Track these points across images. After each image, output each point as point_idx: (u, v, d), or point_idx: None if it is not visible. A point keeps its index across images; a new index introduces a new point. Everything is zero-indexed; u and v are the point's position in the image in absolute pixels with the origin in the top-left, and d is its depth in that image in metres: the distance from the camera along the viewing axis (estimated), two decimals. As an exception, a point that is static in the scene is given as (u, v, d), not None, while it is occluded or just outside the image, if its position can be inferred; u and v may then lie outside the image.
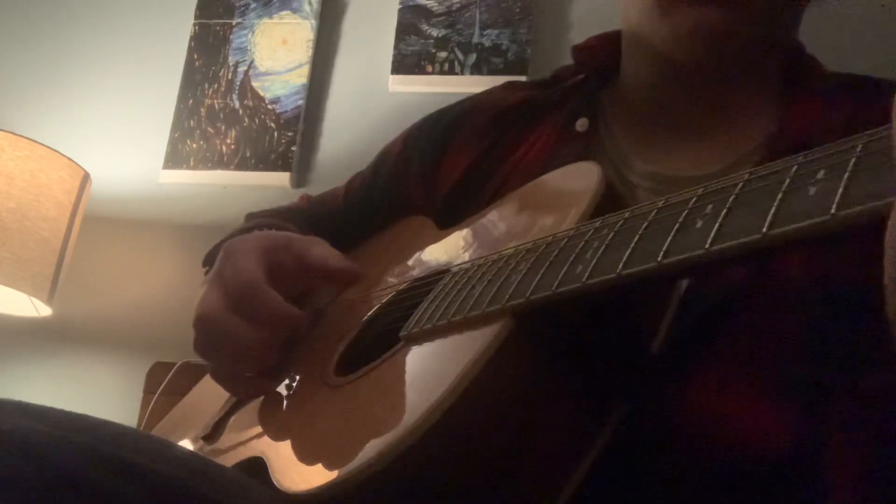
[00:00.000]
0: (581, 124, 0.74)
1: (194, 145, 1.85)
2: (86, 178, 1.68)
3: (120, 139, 1.91)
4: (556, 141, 0.74)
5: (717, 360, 0.56)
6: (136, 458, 0.43)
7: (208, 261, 0.91)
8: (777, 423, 0.53)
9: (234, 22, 1.94)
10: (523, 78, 1.70)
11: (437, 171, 0.82)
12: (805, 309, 0.55)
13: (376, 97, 1.81)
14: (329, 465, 0.49)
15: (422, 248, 0.74)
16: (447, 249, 0.68)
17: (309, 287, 0.74)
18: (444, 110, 0.88)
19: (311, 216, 0.93)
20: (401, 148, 0.89)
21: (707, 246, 0.35)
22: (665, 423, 0.55)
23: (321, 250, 0.71)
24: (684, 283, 0.56)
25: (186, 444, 0.77)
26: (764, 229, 0.32)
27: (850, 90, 0.67)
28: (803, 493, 0.53)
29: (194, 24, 1.95)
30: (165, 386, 1.55)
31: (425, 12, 1.83)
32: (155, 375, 1.60)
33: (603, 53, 0.79)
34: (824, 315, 0.55)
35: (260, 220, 0.90)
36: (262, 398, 0.70)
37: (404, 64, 1.80)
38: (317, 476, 0.49)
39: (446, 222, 0.75)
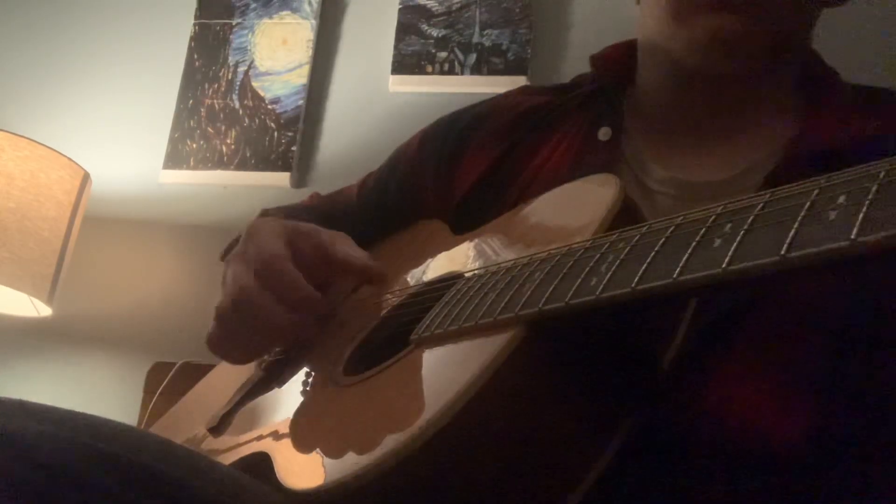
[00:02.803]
0: (604, 133, 0.74)
1: (194, 145, 1.84)
2: (86, 178, 1.68)
3: (120, 139, 1.90)
4: (579, 149, 0.74)
5: (734, 363, 0.56)
6: (137, 456, 0.43)
7: (226, 255, 0.91)
8: (794, 421, 0.54)
9: (234, 22, 1.93)
10: (523, 78, 1.71)
11: (453, 174, 0.82)
12: (821, 307, 0.56)
13: (376, 97, 1.81)
14: (333, 465, 0.49)
15: (436, 252, 0.74)
16: (461, 255, 0.69)
17: (327, 281, 0.74)
18: (461, 112, 0.88)
19: (325, 215, 0.93)
20: (416, 149, 0.89)
21: (724, 266, 0.35)
22: (682, 427, 0.55)
23: (346, 245, 0.72)
24: None
25: (192, 436, 0.78)
26: (782, 252, 0.32)
27: (868, 102, 0.68)
28: (825, 487, 0.53)
29: (194, 24, 1.95)
30: (165, 386, 1.55)
31: (425, 12, 1.83)
32: (155, 375, 1.60)
33: (620, 62, 0.79)
34: (842, 314, 0.55)
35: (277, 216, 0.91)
36: (269, 393, 0.70)
37: (404, 64, 1.80)
38: (320, 475, 0.49)
39: (463, 226, 0.75)
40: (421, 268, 0.74)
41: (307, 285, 0.66)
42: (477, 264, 0.63)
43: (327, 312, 0.70)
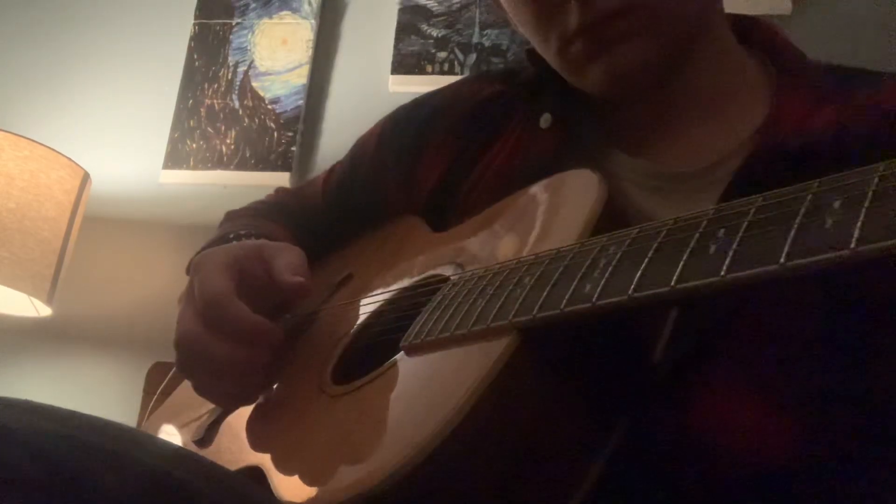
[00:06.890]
0: (545, 120, 0.71)
1: (194, 145, 1.84)
2: (86, 178, 1.67)
3: (120, 139, 1.90)
4: (525, 139, 0.72)
5: (721, 372, 0.55)
6: (143, 457, 0.43)
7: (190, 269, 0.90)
8: (783, 432, 0.53)
9: (234, 22, 1.93)
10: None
11: (415, 172, 0.81)
12: (808, 316, 0.55)
13: (376, 97, 1.81)
14: (332, 482, 0.48)
15: (416, 251, 0.73)
16: (443, 255, 0.67)
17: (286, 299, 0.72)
18: (417, 106, 0.86)
19: (291, 212, 0.91)
20: (375, 146, 0.87)
21: (722, 274, 0.35)
22: (671, 435, 0.55)
23: (283, 260, 0.69)
24: None
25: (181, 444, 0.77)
26: (781, 260, 0.32)
27: (838, 81, 0.65)
28: (813, 501, 0.53)
29: (194, 24, 1.95)
30: (165, 386, 1.55)
31: (425, 12, 1.82)
32: (155, 375, 1.60)
33: None
34: (828, 321, 0.55)
35: (237, 223, 0.88)
36: (256, 402, 0.69)
37: (404, 64, 1.79)
38: (319, 490, 0.49)
39: (433, 224, 0.74)
40: (402, 268, 0.72)
41: (252, 317, 0.63)
42: (459, 265, 0.62)
43: (282, 337, 0.67)
